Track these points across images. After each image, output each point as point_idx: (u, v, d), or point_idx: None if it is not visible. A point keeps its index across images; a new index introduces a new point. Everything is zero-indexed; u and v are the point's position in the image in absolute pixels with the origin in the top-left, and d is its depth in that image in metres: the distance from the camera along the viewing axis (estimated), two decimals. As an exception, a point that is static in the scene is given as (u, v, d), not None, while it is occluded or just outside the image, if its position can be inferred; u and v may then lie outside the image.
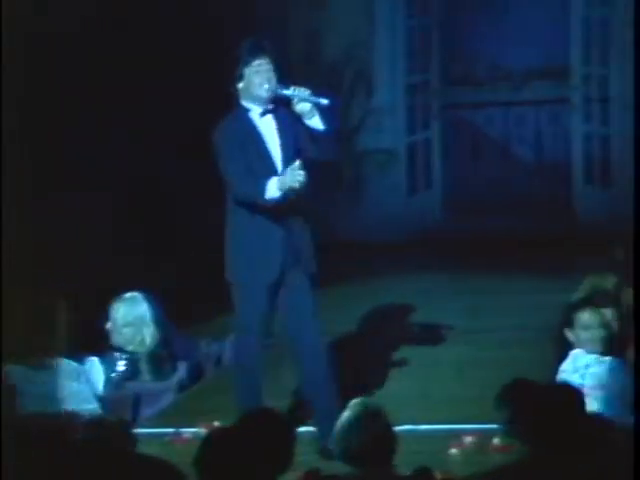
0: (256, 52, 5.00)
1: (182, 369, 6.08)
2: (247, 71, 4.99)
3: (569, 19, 9.27)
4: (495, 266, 7.89)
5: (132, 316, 5.96)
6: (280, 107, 5.04)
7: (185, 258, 7.33)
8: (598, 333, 5.22)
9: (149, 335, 5.97)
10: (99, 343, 6.00)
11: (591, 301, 5.48)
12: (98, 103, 7.22)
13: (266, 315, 5.10)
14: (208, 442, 3.68)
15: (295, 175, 4.88)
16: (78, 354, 5.84)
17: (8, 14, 6.31)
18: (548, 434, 3.66)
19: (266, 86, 4.97)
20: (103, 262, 6.81)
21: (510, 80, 9.75)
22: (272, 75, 4.98)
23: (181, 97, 7.83)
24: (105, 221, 7.18)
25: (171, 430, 5.45)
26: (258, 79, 4.97)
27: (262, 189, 4.91)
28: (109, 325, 6.00)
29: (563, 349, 5.34)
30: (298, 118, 4.97)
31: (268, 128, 5.02)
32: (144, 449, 4.22)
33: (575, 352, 5.22)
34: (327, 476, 3.86)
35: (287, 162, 4.98)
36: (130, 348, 5.96)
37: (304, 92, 4.95)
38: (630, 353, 5.47)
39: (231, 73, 5.05)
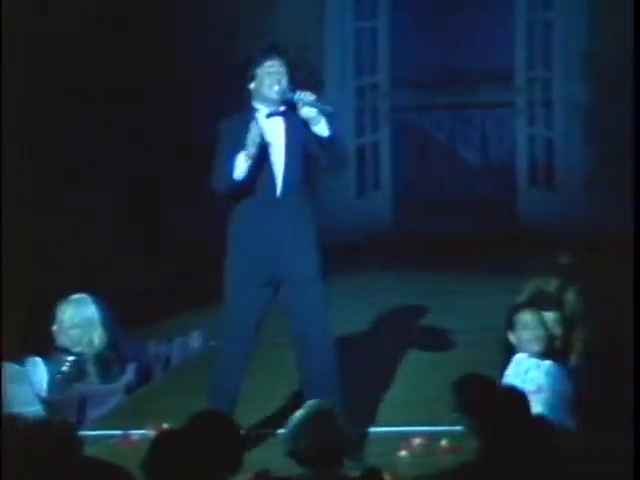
0: (268, 53, 4.98)
1: (130, 371, 6.04)
2: (259, 72, 4.97)
3: (514, 23, 9.37)
4: (443, 267, 7.94)
5: (80, 318, 5.91)
6: (292, 111, 4.98)
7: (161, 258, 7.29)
8: (537, 333, 5.28)
9: (97, 337, 5.93)
10: (46, 344, 5.95)
11: (532, 303, 5.54)
12: (98, 103, 7.19)
13: (256, 315, 5.02)
14: (156, 444, 3.66)
15: (256, 129, 4.85)
16: (24, 355, 5.78)
17: (8, 14, 6.23)
18: (493, 433, 3.71)
19: (276, 88, 4.93)
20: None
21: (456, 83, 9.83)
22: (283, 77, 4.94)
23: (181, 97, 7.81)
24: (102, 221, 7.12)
25: (119, 432, 5.41)
26: (268, 80, 4.94)
27: (231, 168, 4.89)
28: (55, 326, 5.95)
29: (508, 352, 5.39)
30: (306, 124, 4.93)
31: (275, 131, 4.98)
32: (91, 451, 4.19)
33: (517, 357, 5.28)
34: (277, 477, 3.86)
35: (290, 167, 4.96)
36: (78, 350, 5.91)
37: (309, 97, 4.90)
38: (573, 357, 5.55)
39: (244, 73, 5.03)
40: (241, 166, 4.88)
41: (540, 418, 4.31)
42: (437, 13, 9.64)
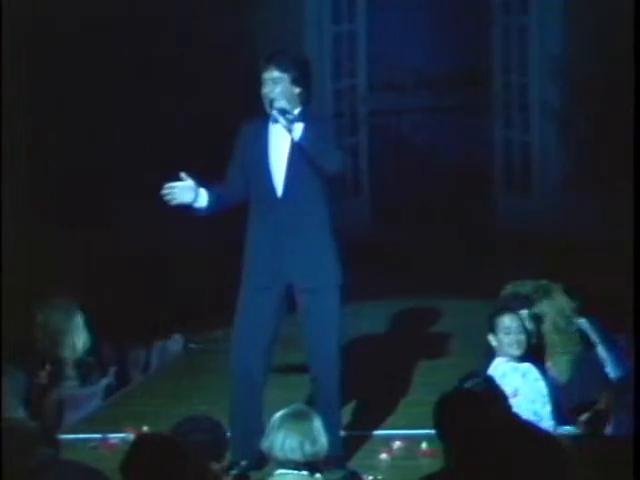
0: (266, 62, 5.00)
1: (110, 375, 6.02)
2: (262, 79, 5.01)
3: (489, 26, 9.40)
4: (423, 272, 7.95)
5: (64, 322, 5.89)
6: (307, 120, 4.97)
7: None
8: (519, 337, 5.30)
9: (80, 341, 5.91)
10: (25, 349, 5.92)
11: (507, 305, 5.57)
12: (98, 103, 7.14)
13: (263, 321, 4.96)
14: (135, 448, 3.65)
15: (179, 191, 4.89)
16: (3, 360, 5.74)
17: (8, 14, 6.20)
18: (470, 442, 3.70)
19: (268, 98, 4.96)
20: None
21: (433, 86, 9.86)
22: (277, 87, 4.94)
23: (182, 97, 7.79)
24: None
25: (98, 435, 5.39)
26: (265, 89, 4.98)
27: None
28: (36, 330, 5.92)
29: (488, 355, 5.41)
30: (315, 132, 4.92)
31: (281, 137, 4.98)
32: (70, 455, 4.18)
33: (496, 361, 5.30)
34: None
35: (291, 174, 4.95)
36: (59, 353, 5.89)
37: (280, 105, 4.90)
38: (550, 360, 5.56)
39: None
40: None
41: (518, 422, 4.29)
42: (415, 16, 9.66)
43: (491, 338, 5.34)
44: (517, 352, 5.26)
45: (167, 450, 3.62)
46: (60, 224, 6.60)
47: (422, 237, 8.78)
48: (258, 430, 4.47)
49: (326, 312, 4.96)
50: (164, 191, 4.91)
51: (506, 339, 5.27)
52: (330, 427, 4.38)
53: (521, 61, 9.26)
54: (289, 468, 3.78)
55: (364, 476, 4.76)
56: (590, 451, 4.21)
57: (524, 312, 5.52)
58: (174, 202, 4.91)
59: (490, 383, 4.46)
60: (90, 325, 5.96)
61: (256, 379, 4.94)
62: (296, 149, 4.93)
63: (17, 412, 5.47)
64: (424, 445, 5.04)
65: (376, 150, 9.57)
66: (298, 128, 4.88)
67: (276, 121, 4.94)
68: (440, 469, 3.77)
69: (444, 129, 9.80)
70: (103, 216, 6.99)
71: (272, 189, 4.96)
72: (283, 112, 4.89)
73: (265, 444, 3.83)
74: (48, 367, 5.77)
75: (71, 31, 6.84)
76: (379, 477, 4.78)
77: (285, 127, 4.89)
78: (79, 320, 5.91)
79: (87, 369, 5.93)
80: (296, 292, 4.98)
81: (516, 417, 4.30)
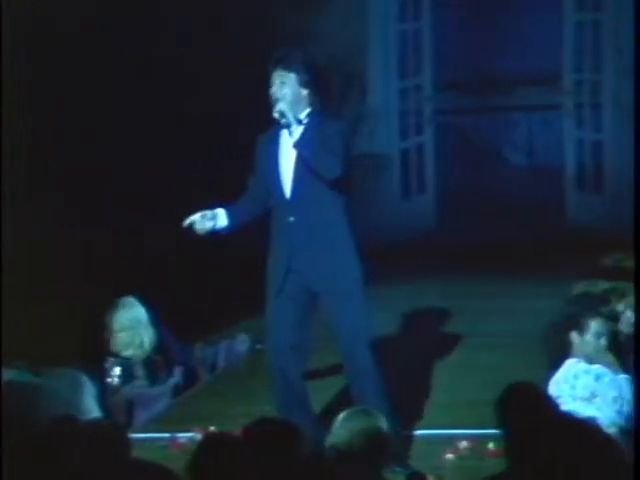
0: (276, 62, 5.00)
1: (178, 374, 6.08)
2: (271, 79, 5.01)
3: (561, 24, 9.29)
4: (488, 270, 7.90)
5: (129, 320, 5.95)
6: (313, 123, 4.98)
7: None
8: (606, 342, 5.25)
9: (147, 339, 5.97)
10: (97, 349, 5.99)
11: (577, 305, 5.50)
12: (98, 103, 7.21)
13: (291, 322, 4.99)
14: (203, 447, 3.68)
15: (198, 223, 4.97)
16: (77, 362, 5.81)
17: (8, 14, 6.30)
18: (538, 444, 3.65)
19: (273, 98, 4.97)
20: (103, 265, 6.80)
21: (500, 85, 9.78)
22: (285, 88, 4.95)
23: (182, 98, 7.84)
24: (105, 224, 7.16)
25: (167, 435, 5.44)
26: (272, 89, 4.99)
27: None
28: (107, 330, 5.99)
29: (555, 355, 5.35)
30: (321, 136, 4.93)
31: (289, 140, 5.00)
32: (140, 454, 4.21)
33: (568, 362, 5.24)
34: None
35: (298, 176, 4.97)
36: (128, 352, 5.95)
37: (280, 109, 4.91)
38: (627, 360, 5.49)
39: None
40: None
41: (588, 425, 4.22)
42: (482, 14, 9.60)
43: (574, 337, 5.26)
44: (605, 358, 5.21)
45: (234, 450, 3.64)
46: (60, 224, 6.65)
47: (488, 236, 8.71)
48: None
49: (351, 311, 4.95)
50: (185, 226, 4.99)
51: (594, 343, 5.21)
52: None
53: (594, 59, 9.13)
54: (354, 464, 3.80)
55: (429, 476, 4.73)
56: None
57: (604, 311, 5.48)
58: (200, 233, 5.01)
59: None
60: (157, 322, 6.03)
61: (292, 380, 4.98)
62: (303, 147, 4.93)
63: (93, 413, 5.54)
64: (491, 445, 5.00)
65: (442, 149, 9.53)
66: (297, 131, 4.90)
67: (285, 127, 4.95)
68: (504, 469, 3.74)
69: (512, 128, 9.73)
70: (103, 216, 7.04)
71: (282, 191, 4.98)
72: (282, 115, 4.90)
73: (330, 440, 3.85)
74: (118, 367, 5.84)
75: (71, 31, 6.88)
76: (444, 477, 4.76)
77: (286, 129, 4.92)
78: (145, 317, 5.96)
79: (155, 368, 5.99)
80: (318, 294, 5.01)
81: (574, 415, 4.25)
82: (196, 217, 5.01)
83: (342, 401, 5.14)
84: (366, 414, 3.93)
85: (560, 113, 9.44)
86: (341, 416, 3.91)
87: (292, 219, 4.96)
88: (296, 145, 4.91)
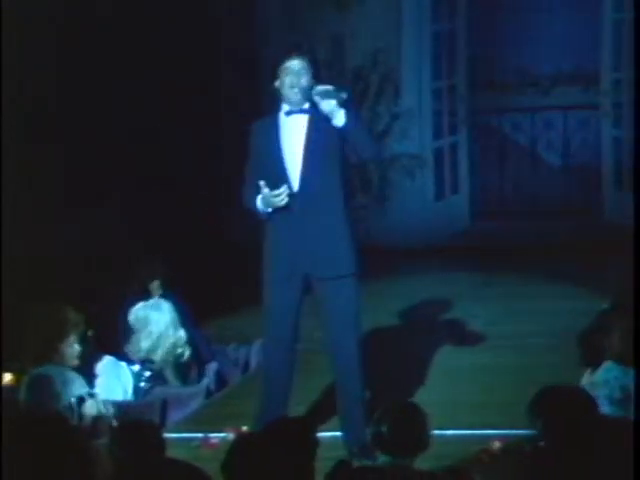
0: (290, 52, 5.02)
1: (210, 374, 6.09)
2: (280, 71, 5.00)
3: (599, 23, 9.22)
4: (522, 271, 7.87)
5: (159, 321, 5.98)
6: (314, 109, 4.97)
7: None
8: None
9: (177, 340, 5.99)
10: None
11: (616, 306, 5.46)
12: (98, 103, 7.25)
13: (286, 317, 5.05)
14: (236, 447, 3.69)
15: (272, 200, 4.92)
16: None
17: (8, 14, 6.33)
18: (576, 444, 3.62)
19: (295, 88, 4.96)
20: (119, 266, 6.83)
21: (537, 85, 9.73)
22: (303, 77, 4.95)
23: (183, 98, 7.87)
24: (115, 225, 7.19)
25: (200, 435, 5.45)
26: (288, 79, 4.97)
27: (254, 200, 5.00)
28: (134, 332, 6.01)
29: (590, 356, 5.31)
30: (329, 120, 4.93)
31: (295, 130, 5.00)
32: (173, 454, 4.23)
33: (606, 364, 5.19)
34: (357, 467, 3.90)
35: (308, 164, 4.96)
36: (158, 353, 5.98)
37: (325, 88, 4.90)
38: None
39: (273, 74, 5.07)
40: (261, 206, 4.97)
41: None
42: (517, 13, 9.55)
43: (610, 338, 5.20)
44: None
45: (264, 450, 3.65)
46: (60, 222, 6.67)
47: (522, 236, 8.68)
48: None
49: (344, 300, 4.98)
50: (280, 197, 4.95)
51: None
52: (353, 416, 4.62)
53: (632, 58, 9.06)
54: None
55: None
56: None
57: None
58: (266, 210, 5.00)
59: None
60: (187, 324, 6.05)
61: (281, 372, 5.06)
62: (312, 141, 4.92)
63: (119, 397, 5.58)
64: (525, 446, 4.96)
65: (476, 149, 9.50)
66: (341, 112, 4.86)
67: (295, 113, 4.90)
68: (539, 470, 3.72)
69: (548, 128, 9.67)
70: (103, 215, 7.06)
71: (288, 182, 4.95)
72: (327, 94, 4.86)
73: (373, 430, 3.86)
74: (148, 370, 5.86)
75: (71, 31, 6.90)
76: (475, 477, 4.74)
77: (327, 111, 4.86)
78: (175, 318, 5.98)
79: (186, 368, 6.01)
80: (313, 282, 5.01)
81: (614, 417, 4.21)
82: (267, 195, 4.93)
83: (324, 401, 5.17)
84: (407, 407, 3.92)
85: (597, 112, 9.38)
86: (382, 410, 3.91)
87: (300, 211, 4.95)
88: (346, 125, 4.83)
